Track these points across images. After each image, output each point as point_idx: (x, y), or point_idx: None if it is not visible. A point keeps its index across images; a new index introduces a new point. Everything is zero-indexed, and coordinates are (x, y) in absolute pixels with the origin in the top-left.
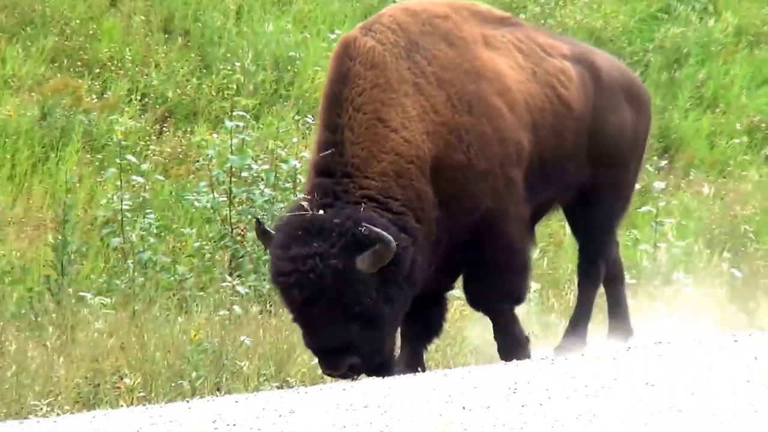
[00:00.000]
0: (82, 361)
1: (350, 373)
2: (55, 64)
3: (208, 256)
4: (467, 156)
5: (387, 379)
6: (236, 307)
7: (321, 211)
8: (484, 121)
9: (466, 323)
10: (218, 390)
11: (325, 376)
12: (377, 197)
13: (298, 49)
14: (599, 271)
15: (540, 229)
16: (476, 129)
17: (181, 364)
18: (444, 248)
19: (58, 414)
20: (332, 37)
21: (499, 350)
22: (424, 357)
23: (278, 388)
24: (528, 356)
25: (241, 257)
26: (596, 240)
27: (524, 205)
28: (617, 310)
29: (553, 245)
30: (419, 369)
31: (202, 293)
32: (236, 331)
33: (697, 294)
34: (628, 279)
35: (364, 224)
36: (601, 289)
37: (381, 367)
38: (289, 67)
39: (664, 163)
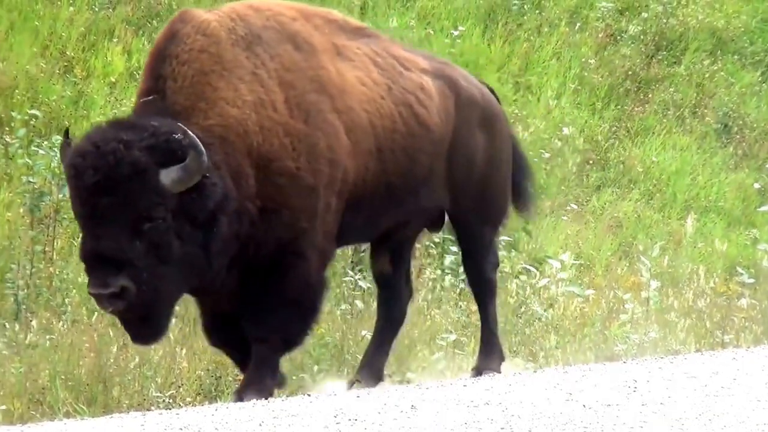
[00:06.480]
0: (204, 354)
1: (117, 299)
2: None
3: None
4: (297, 165)
5: (508, 376)
6: (358, 302)
7: None
8: (319, 135)
9: (586, 320)
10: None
11: (446, 372)
12: None
13: (422, 45)
14: (490, 281)
15: (660, 226)
16: (309, 140)
17: (303, 357)
18: (246, 264)
19: (180, 406)
20: (455, 33)
21: (243, 381)
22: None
23: (399, 383)
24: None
25: (363, 252)
26: (476, 258)
27: (332, 242)
28: (380, 351)
29: (673, 243)
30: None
31: None
32: (358, 326)
33: None
34: (746, 278)
35: (182, 128)
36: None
37: (147, 319)
38: None
39: None
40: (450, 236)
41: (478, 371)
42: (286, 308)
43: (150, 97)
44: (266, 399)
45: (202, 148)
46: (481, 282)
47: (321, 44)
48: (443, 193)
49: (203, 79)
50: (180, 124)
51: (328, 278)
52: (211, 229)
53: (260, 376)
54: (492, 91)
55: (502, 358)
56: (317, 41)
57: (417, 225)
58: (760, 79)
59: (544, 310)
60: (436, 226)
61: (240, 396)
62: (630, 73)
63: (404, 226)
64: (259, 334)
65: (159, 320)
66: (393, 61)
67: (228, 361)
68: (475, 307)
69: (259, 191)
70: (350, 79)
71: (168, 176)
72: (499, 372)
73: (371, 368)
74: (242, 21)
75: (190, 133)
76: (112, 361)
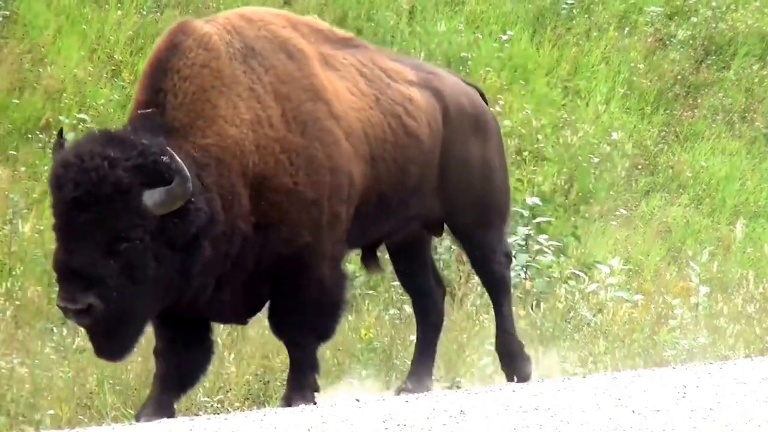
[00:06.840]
0: (253, 358)
1: (83, 315)
2: None
3: (378, 254)
4: (294, 181)
5: (557, 381)
6: (406, 306)
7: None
8: (317, 146)
9: (635, 326)
10: (388, 389)
11: (495, 377)
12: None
13: (470, 50)
14: (504, 278)
15: (709, 231)
16: (307, 152)
17: (351, 362)
18: (247, 276)
19: (228, 411)
20: (504, 38)
21: (287, 386)
22: (175, 406)
23: (448, 388)
24: (311, 402)
25: None
26: (484, 262)
27: (343, 245)
28: (425, 356)
29: (722, 249)
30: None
31: (372, 292)
32: (406, 330)
33: None
34: None
35: (170, 152)
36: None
37: (112, 336)
38: (460, 67)
39: None
40: None
41: (509, 379)
42: (311, 310)
43: (149, 110)
44: (313, 399)
45: (188, 174)
46: (494, 281)
47: (310, 51)
48: (435, 202)
49: (203, 96)
50: (168, 148)
51: (345, 272)
52: (191, 253)
53: (303, 377)
54: (481, 94)
55: (526, 357)
56: (306, 48)
57: (411, 231)
58: None
59: (593, 316)
60: (436, 230)
61: (288, 401)
62: (679, 77)
63: (393, 234)
64: (291, 338)
65: (125, 338)
66: (380, 73)
67: (276, 365)
68: (523, 312)
69: (254, 209)
70: (339, 87)
71: (151, 198)
72: (530, 376)
73: (419, 375)
74: (237, 33)
75: (176, 158)
76: None
